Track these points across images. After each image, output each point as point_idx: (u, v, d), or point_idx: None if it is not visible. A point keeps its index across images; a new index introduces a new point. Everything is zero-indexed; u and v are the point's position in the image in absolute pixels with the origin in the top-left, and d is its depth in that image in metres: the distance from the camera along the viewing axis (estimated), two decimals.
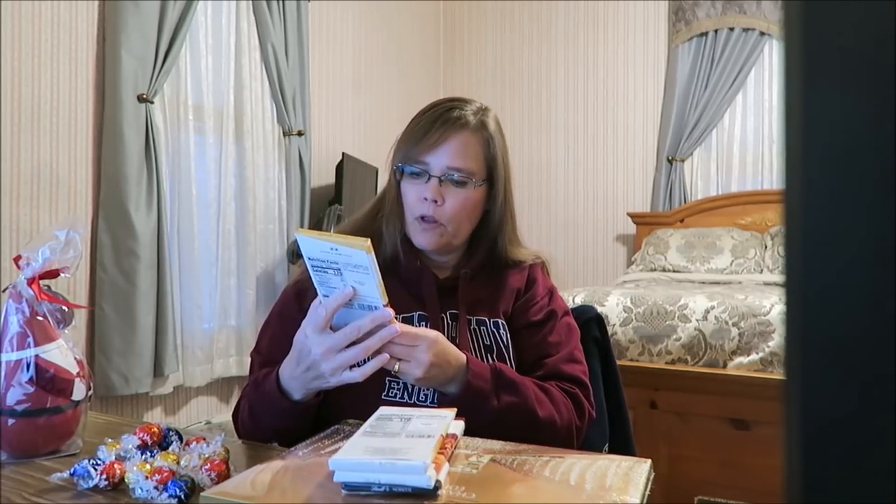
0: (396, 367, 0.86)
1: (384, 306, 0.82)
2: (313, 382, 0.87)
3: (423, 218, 1.03)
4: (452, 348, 0.91)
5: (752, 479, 2.00)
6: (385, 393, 0.97)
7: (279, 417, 0.92)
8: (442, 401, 0.93)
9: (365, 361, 0.84)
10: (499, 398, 0.92)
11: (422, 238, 1.04)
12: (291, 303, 1.04)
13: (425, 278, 1.05)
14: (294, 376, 0.88)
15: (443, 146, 1.01)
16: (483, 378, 0.92)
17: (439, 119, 1.03)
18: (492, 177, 1.06)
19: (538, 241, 4.05)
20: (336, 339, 0.82)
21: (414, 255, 1.06)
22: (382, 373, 0.98)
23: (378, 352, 0.84)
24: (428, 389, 0.97)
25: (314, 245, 0.80)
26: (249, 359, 1.10)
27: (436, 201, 1.01)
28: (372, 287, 0.81)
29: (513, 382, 0.95)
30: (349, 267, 0.80)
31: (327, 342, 0.82)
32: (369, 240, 0.79)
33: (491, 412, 0.91)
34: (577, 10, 4.26)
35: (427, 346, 0.86)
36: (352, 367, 0.83)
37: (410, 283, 1.06)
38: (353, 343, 0.83)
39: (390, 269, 1.04)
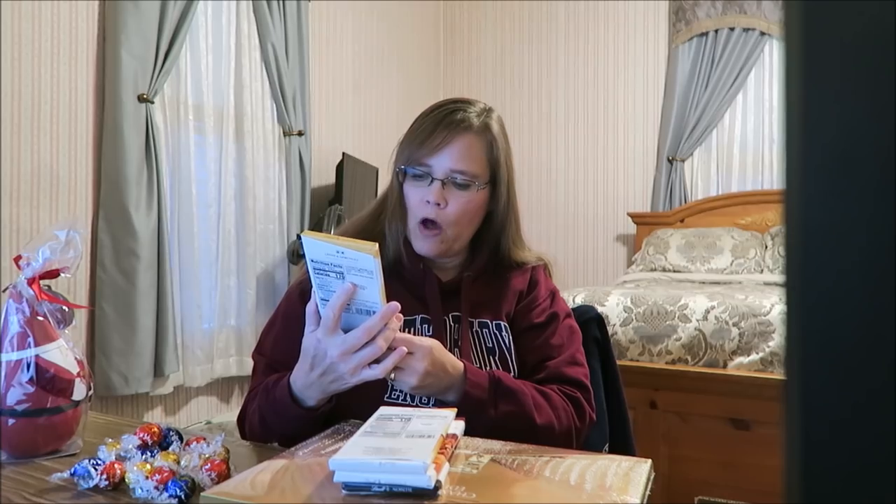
0: (393, 375, 0.86)
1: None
2: (331, 385, 0.86)
3: (424, 223, 1.02)
4: (450, 357, 0.91)
5: (752, 479, 2.00)
6: (388, 395, 0.97)
7: (293, 425, 0.91)
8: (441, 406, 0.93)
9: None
10: (496, 407, 0.92)
11: (422, 245, 1.04)
12: (296, 303, 1.04)
13: (428, 281, 1.05)
14: (309, 383, 0.87)
15: (446, 149, 1.01)
16: (481, 387, 0.92)
17: (443, 121, 1.02)
18: (495, 179, 1.05)
19: (538, 241, 4.05)
20: (352, 340, 0.81)
21: (417, 258, 1.06)
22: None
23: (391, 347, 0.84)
24: None
25: (319, 247, 0.80)
26: (251, 360, 1.10)
27: (438, 204, 1.00)
28: (374, 292, 0.80)
29: (511, 390, 0.94)
30: (353, 271, 0.80)
31: (344, 343, 0.82)
32: (377, 244, 0.79)
33: (488, 421, 0.90)
34: (577, 10, 4.26)
35: (423, 355, 0.86)
36: (369, 364, 0.83)
37: (414, 285, 1.05)
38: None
39: (393, 271, 1.04)
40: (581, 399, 1.01)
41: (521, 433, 0.89)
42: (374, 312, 0.82)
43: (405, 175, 1.04)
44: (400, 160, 1.05)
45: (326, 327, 0.82)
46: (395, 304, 0.82)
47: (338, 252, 0.79)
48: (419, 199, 1.02)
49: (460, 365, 0.92)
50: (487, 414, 0.91)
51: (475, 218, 1.06)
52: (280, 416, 0.92)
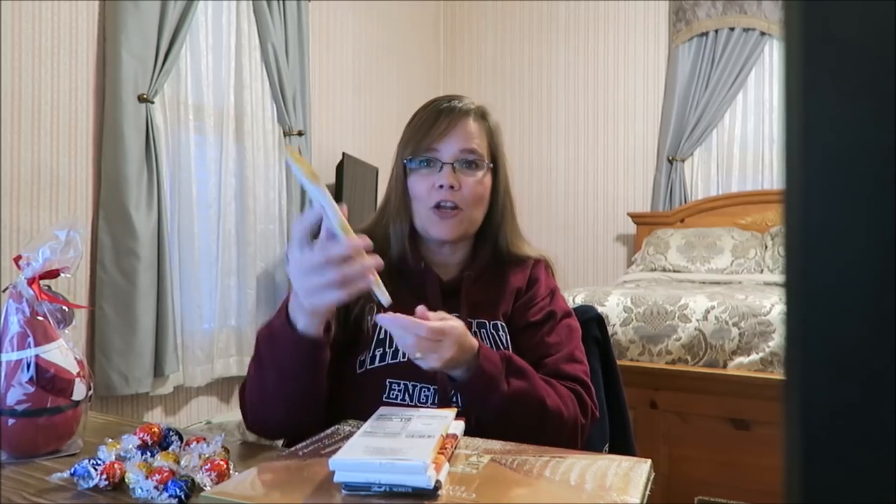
0: (419, 354, 0.86)
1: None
2: (305, 302, 0.83)
3: (439, 206, 1.02)
4: (470, 338, 0.91)
5: (752, 479, 2.00)
6: (386, 395, 0.97)
7: (286, 356, 0.87)
8: (453, 385, 0.92)
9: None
10: (509, 383, 0.92)
11: (441, 228, 1.03)
12: None
13: (429, 281, 1.05)
14: (293, 303, 0.86)
15: (452, 132, 1.03)
16: (494, 363, 0.92)
17: (444, 110, 1.05)
18: (495, 166, 1.09)
19: (538, 241, 4.05)
20: (306, 258, 0.79)
21: (419, 256, 1.06)
22: (384, 374, 0.97)
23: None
24: (429, 391, 0.97)
25: (297, 171, 0.81)
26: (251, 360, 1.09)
27: (452, 187, 1.01)
28: (332, 222, 0.79)
29: (522, 369, 0.95)
30: (316, 198, 0.80)
31: (300, 261, 0.80)
32: (320, 177, 0.79)
33: (501, 397, 0.90)
34: (577, 10, 4.26)
35: (452, 342, 0.85)
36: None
37: (415, 286, 1.05)
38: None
39: (398, 271, 1.04)
40: (583, 394, 1.00)
41: (531, 414, 0.90)
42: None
43: (410, 169, 1.05)
44: (406, 153, 1.06)
45: (296, 240, 0.81)
46: (357, 241, 0.79)
47: (301, 178, 0.80)
48: (430, 186, 1.03)
49: (475, 343, 0.92)
50: (500, 389, 0.91)
51: (485, 199, 1.07)
52: (274, 343, 0.88)
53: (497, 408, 0.88)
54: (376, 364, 0.98)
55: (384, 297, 0.82)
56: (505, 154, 1.12)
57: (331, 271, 0.78)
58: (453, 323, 0.87)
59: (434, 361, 0.85)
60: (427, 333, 0.82)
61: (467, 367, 0.91)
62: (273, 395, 0.90)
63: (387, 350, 0.99)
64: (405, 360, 0.96)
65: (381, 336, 1.00)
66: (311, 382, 0.89)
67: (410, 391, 0.97)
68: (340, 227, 0.80)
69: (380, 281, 0.82)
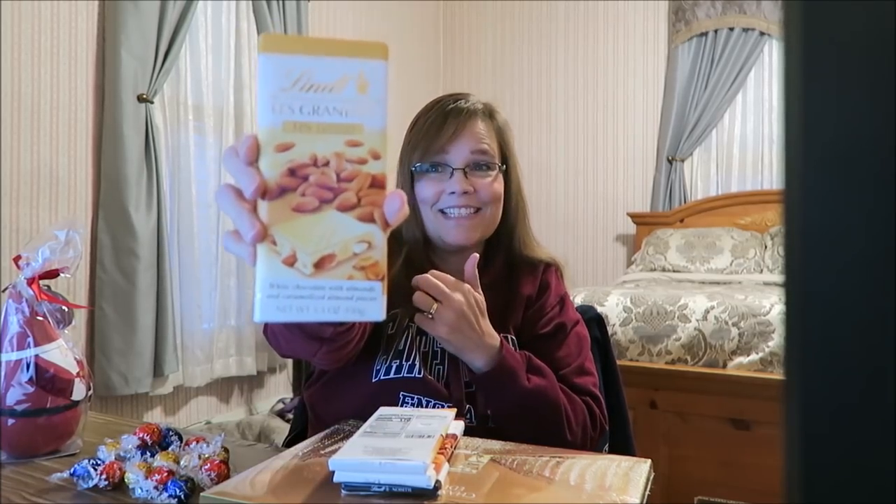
0: (434, 307, 0.86)
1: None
2: None
3: (443, 211, 1.00)
4: (481, 320, 0.91)
5: (752, 479, 2.01)
6: (399, 406, 0.96)
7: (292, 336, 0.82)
8: (473, 378, 0.93)
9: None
10: (529, 379, 0.92)
11: (458, 232, 1.00)
12: None
13: None
14: None
15: (462, 135, 0.99)
16: (515, 358, 0.92)
17: (452, 111, 1.01)
18: (506, 165, 1.05)
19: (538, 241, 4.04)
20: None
21: (430, 266, 1.02)
22: (399, 386, 0.95)
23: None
24: (445, 403, 0.95)
25: None
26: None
27: (466, 192, 0.98)
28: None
29: (540, 367, 0.95)
30: None
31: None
32: None
33: (522, 391, 0.90)
34: (577, 10, 4.26)
35: (464, 296, 0.87)
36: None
37: None
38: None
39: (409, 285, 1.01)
40: (593, 406, 0.99)
41: (548, 412, 0.89)
42: None
43: (417, 175, 1.01)
44: (412, 159, 1.02)
45: None
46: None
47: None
48: (438, 191, 0.99)
49: (495, 333, 0.92)
50: (521, 383, 0.90)
51: (502, 198, 1.04)
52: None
53: (514, 403, 0.88)
54: (391, 375, 0.96)
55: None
56: (515, 153, 1.08)
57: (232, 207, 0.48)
58: (457, 294, 0.89)
59: (447, 311, 0.87)
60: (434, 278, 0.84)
61: (488, 356, 0.91)
62: (291, 352, 0.89)
63: (403, 363, 0.96)
64: (421, 375, 0.95)
65: (401, 347, 0.98)
66: (325, 349, 0.82)
67: (424, 404, 0.95)
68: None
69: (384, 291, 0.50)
